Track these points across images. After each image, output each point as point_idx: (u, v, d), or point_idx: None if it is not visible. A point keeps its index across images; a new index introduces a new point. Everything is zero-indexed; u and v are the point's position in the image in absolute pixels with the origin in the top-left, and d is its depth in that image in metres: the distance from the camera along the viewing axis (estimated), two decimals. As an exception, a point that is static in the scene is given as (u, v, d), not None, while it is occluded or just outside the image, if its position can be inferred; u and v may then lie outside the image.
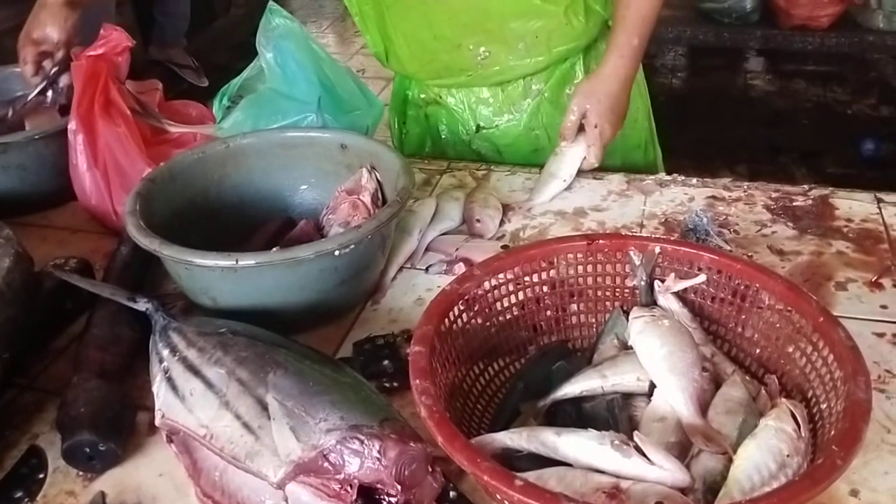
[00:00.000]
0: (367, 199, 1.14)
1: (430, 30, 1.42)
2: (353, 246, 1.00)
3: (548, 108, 1.50)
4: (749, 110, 3.79)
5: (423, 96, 1.57)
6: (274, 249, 1.01)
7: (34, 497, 0.87)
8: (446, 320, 0.89)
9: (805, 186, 1.37)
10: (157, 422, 0.87)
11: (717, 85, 3.80)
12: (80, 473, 0.89)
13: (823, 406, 0.81)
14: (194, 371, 0.87)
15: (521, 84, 1.48)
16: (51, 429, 0.94)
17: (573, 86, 1.46)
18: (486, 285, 0.94)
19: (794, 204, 1.31)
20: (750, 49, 4.05)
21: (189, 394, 0.85)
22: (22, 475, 0.90)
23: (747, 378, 0.90)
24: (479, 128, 1.53)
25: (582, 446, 0.76)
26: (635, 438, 0.75)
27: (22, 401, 1.00)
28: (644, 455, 0.74)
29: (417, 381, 0.78)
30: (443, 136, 1.57)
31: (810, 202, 1.32)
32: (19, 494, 0.87)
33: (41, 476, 0.89)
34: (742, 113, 3.72)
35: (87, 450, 0.87)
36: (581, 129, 1.36)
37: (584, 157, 1.36)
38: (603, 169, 1.41)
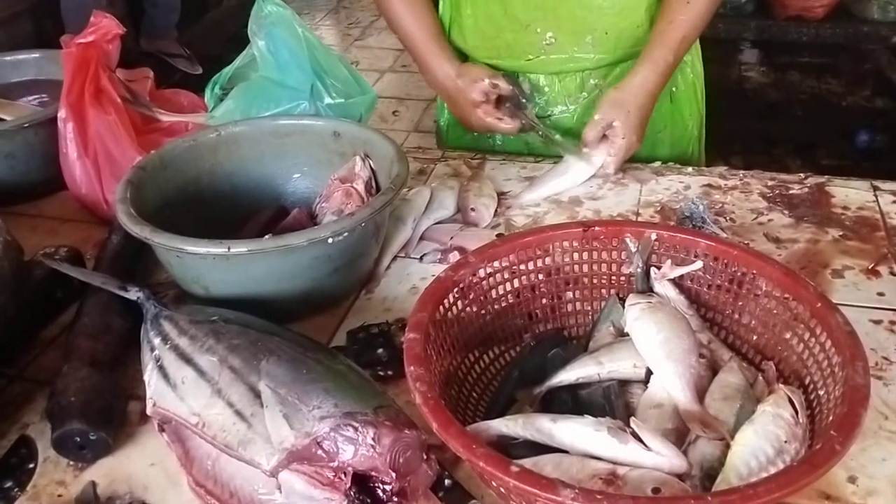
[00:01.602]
0: (360, 187, 1.13)
1: (502, 5, 1.40)
2: (346, 233, 0.99)
3: None
4: (743, 102, 3.79)
5: None
6: (266, 237, 1.00)
7: (24, 487, 0.86)
8: (441, 307, 0.88)
9: (801, 175, 1.36)
10: (149, 410, 0.86)
11: (712, 77, 3.79)
12: (71, 463, 0.88)
13: (821, 392, 0.81)
14: (186, 359, 0.86)
15: (580, 77, 1.45)
16: (41, 419, 0.93)
17: None
18: (481, 273, 0.93)
19: (791, 192, 1.31)
20: (744, 41, 4.04)
21: (181, 382, 0.84)
22: (12, 465, 0.88)
23: (744, 365, 0.90)
24: None
25: (578, 433, 0.75)
26: (632, 424, 0.74)
27: (11, 391, 0.99)
28: (641, 441, 0.73)
29: (412, 368, 0.78)
30: None
31: (806, 190, 1.31)
32: (9, 485, 0.86)
33: (31, 466, 0.88)
34: (736, 105, 3.71)
35: (78, 439, 0.86)
36: (603, 137, 1.34)
37: (601, 167, 1.34)
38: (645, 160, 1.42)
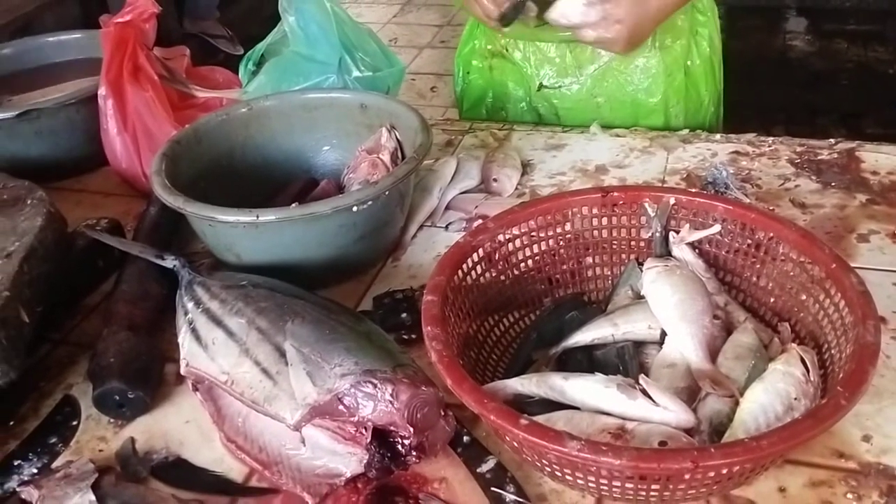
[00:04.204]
0: (386, 157, 1.16)
1: None
2: (370, 202, 1.01)
3: (614, 76, 1.47)
4: (787, 72, 3.72)
5: (489, 47, 1.55)
6: (293, 205, 1.03)
7: (68, 443, 0.91)
8: (460, 272, 0.91)
9: (831, 140, 1.35)
10: (183, 370, 0.90)
11: (755, 46, 3.74)
12: (111, 421, 0.93)
13: (834, 351, 0.81)
14: (217, 321, 0.90)
15: (591, 47, 1.44)
16: (84, 380, 0.98)
17: (644, 58, 1.44)
18: (500, 238, 0.96)
19: (819, 158, 1.30)
20: (788, 8, 3.97)
21: (211, 342, 0.88)
22: (57, 423, 0.94)
23: (761, 326, 0.91)
24: (541, 86, 1.51)
25: (588, 389, 0.77)
26: (640, 381, 0.76)
27: (56, 354, 1.04)
28: (649, 397, 0.75)
29: (429, 328, 0.80)
30: (504, 91, 1.56)
31: (836, 156, 1.30)
32: (54, 440, 0.91)
33: (74, 423, 0.93)
34: (780, 74, 3.65)
35: (117, 397, 0.90)
36: None
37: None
38: (667, 128, 1.42)
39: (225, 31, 4.18)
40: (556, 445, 0.68)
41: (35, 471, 0.87)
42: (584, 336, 0.89)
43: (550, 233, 0.98)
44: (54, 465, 0.88)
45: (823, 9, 3.69)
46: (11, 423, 0.94)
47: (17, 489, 0.84)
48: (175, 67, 1.45)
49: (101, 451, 0.90)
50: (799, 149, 1.33)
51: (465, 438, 0.85)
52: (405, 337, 0.99)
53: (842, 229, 1.14)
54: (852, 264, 0.86)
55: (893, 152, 1.30)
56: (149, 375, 0.94)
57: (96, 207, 1.33)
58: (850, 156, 1.30)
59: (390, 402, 0.78)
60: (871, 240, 1.11)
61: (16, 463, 0.88)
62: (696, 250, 0.97)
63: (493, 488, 0.79)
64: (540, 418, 0.76)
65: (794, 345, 0.82)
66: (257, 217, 0.98)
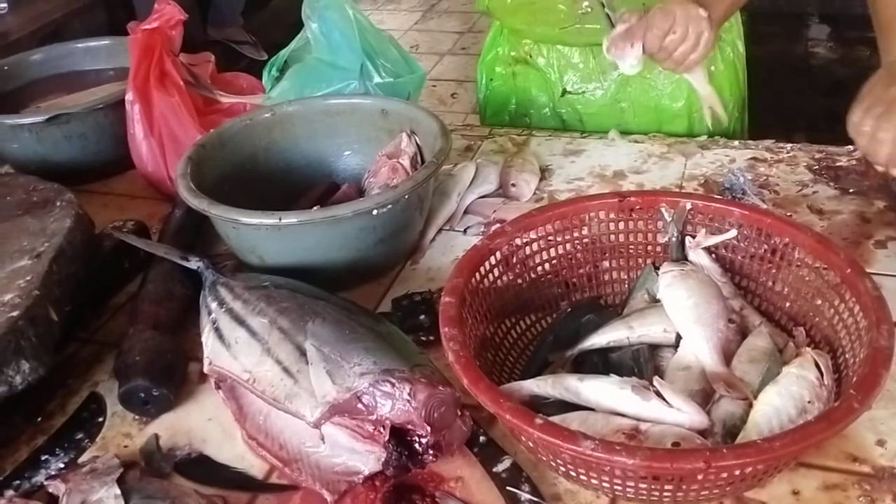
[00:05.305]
0: (406, 162, 1.18)
1: None
2: (389, 205, 1.03)
3: (637, 81, 1.47)
4: (809, 78, 3.71)
5: (513, 54, 1.57)
6: (314, 209, 1.05)
7: (94, 439, 0.93)
8: (478, 275, 0.92)
9: (850, 147, 1.35)
10: (206, 368, 0.92)
11: (777, 53, 3.72)
12: (136, 417, 0.95)
13: (848, 356, 0.82)
14: (239, 321, 0.92)
15: None
16: (109, 377, 1.00)
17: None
18: (518, 241, 0.97)
19: (838, 164, 1.30)
20: (811, 15, 3.95)
21: (234, 342, 0.90)
22: (83, 419, 0.96)
23: (776, 330, 0.91)
24: (564, 92, 1.53)
25: (603, 390, 0.78)
26: (655, 383, 0.77)
27: (83, 352, 1.07)
28: (663, 399, 0.76)
29: (446, 329, 0.82)
30: (528, 97, 1.57)
31: (854, 162, 1.30)
32: (80, 436, 0.94)
33: (100, 420, 0.96)
34: (802, 81, 3.64)
35: (142, 395, 0.93)
36: None
37: None
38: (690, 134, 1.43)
39: (248, 37, 4.22)
40: (571, 445, 0.69)
41: (62, 465, 0.90)
42: (599, 338, 0.90)
43: (567, 237, 1.00)
44: (80, 460, 0.90)
45: (846, 16, 3.67)
46: (39, 419, 0.96)
47: (45, 483, 0.86)
48: (200, 73, 1.48)
49: (125, 447, 0.92)
50: (817, 155, 1.33)
51: (482, 438, 0.86)
52: (423, 338, 1.01)
53: (859, 235, 1.14)
54: (869, 270, 0.87)
55: (913, 159, 1.30)
56: (173, 373, 0.97)
57: (123, 210, 1.36)
58: (868, 162, 1.30)
59: (408, 401, 0.79)
60: (889, 246, 1.11)
61: (43, 458, 0.91)
62: (712, 255, 0.97)
63: (508, 488, 0.81)
64: (555, 419, 0.77)
65: (808, 349, 0.82)
66: (280, 219, 1.00)
